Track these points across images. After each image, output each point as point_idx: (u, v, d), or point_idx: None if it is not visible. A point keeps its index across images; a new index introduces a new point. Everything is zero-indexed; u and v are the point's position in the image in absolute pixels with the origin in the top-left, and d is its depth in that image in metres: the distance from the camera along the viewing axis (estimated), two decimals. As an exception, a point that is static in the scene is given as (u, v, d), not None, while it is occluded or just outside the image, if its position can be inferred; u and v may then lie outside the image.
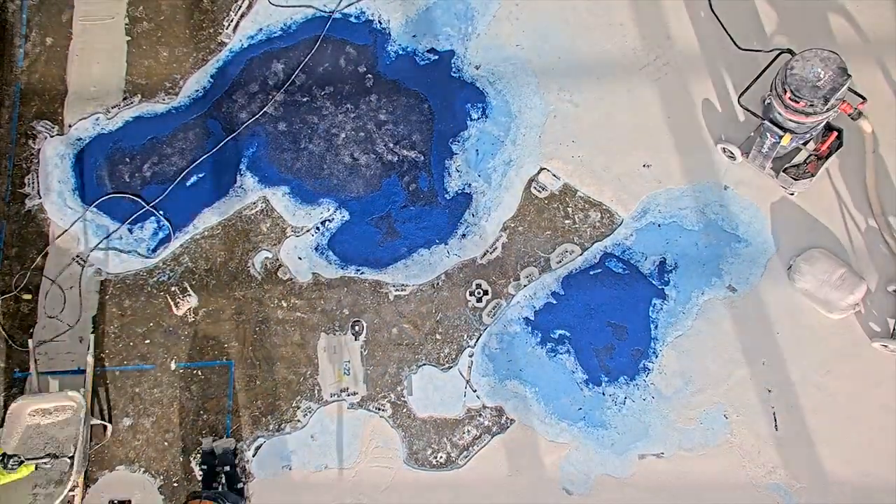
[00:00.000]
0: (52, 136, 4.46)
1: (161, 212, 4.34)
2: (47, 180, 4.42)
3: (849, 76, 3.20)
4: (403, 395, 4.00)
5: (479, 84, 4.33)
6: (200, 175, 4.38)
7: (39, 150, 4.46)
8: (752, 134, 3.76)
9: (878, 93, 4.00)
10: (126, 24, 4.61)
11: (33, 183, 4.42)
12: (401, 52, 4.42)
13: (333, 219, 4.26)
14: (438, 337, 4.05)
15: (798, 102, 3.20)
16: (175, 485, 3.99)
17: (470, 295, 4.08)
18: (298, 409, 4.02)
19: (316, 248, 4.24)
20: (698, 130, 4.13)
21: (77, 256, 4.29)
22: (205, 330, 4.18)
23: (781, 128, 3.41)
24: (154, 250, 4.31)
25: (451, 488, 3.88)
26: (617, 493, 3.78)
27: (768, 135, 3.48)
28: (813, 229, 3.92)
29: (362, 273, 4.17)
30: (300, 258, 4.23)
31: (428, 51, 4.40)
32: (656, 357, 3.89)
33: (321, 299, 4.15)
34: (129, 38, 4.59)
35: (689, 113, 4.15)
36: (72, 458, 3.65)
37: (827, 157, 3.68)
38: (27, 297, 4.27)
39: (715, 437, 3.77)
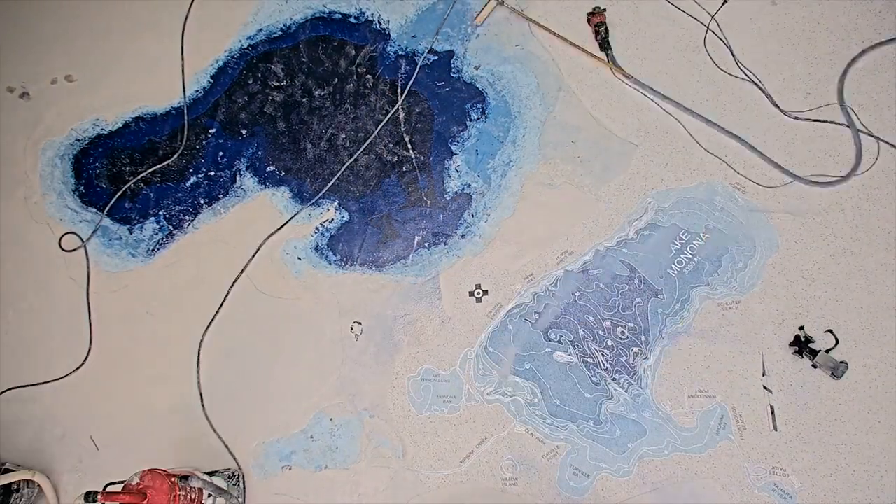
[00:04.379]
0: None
1: (161, 212, 4.34)
2: (47, 180, 4.42)
3: None
4: (405, 395, 4.00)
5: (478, 84, 4.34)
6: (200, 175, 4.39)
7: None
8: None
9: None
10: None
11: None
12: (401, 52, 4.42)
13: (333, 219, 4.27)
14: (440, 336, 4.06)
15: None
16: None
17: (470, 295, 4.09)
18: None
19: (315, 249, 4.24)
20: (699, 130, 4.13)
21: None
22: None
23: None
24: (153, 251, 4.31)
25: (451, 488, 3.88)
26: (617, 493, 3.78)
27: None
28: (812, 230, 3.93)
29: (362, 273, 4.18)
30: (300, 258, 4.23)
31: (428, 51, 4.41)
32: (655, 357, 3.89)
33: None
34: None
35: (688, 113, 4.16)
36: None
37: None
38: None
39: (715, 438, 3.78)
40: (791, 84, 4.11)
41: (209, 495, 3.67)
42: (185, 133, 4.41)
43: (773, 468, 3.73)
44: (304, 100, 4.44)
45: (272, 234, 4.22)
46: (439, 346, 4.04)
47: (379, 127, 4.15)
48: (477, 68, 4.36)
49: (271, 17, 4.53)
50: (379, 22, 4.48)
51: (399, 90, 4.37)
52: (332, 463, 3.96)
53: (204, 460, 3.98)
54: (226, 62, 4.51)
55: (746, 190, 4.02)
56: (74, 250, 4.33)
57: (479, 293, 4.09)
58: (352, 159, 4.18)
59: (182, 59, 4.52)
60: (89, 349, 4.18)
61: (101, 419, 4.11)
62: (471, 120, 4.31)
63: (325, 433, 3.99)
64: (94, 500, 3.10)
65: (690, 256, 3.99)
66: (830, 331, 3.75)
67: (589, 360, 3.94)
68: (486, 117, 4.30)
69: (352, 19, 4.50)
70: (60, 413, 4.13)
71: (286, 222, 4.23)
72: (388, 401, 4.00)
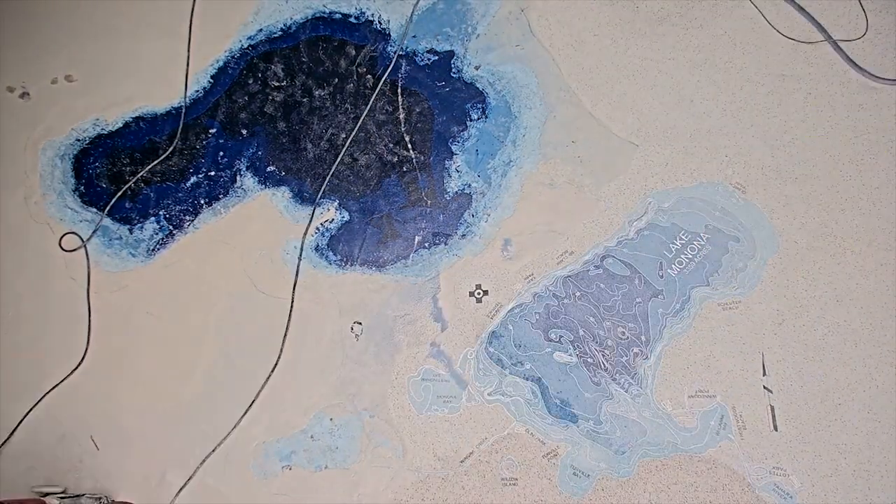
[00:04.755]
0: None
1: (161, 212, 4.34)
2: (47, 180, 4.42)
3: None
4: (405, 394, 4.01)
5: (479, 84, 4.34)
6: (200, 175, 4.39)
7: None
8: None
9: None
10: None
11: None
12: (401, 52, 4.42)
13: (333, 219, 4.27)
14: (440, 336, 4.06)
15: None
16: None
17: (470, 295, 4.09)
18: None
19: (315, 249, 4.24)
20: (699, 130, 4.14)
21: None
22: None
23: None
24: (153, 251, 4.31)
25: (451, 488, 3.88)
26: (617, 493, 3.78)
27: None
28: (812, 230, 3.94)
29: (362, 273, 4.18)
30: (300, 258, 4.23)
31: (428, 51, 4.41)
32: (656, 357, 3.90)
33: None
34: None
35: (687, 113, 4.16)
36: None
37: None
38: None
39: (715, 438, 3.78)
40: None
41: None
42: (181, 129, 4.41)
43: (773, 468, 3.73)
44: (305, 100, 4.44)
45: (305, 233, 4.23)
46: (440, 345, 4.04)
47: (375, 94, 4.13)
48: (477, 68, 4.36)
49: (271, 17, 4.54)
50: (379, 22, 4.48)
51: (399, 90, 4.37)
52: (332, 463, 3.96)
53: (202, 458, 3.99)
54: (226, 62, 4.51)
55: (747, 190, 4.02)
56: (75, 250, 4.33)
57: (479, 293, 4.09)
58: (352, 134, 4.18)
59: (188, 59, 4.52)
60: (86, 349, 4.18)
61: (102, 419, 4.11)
62: (471, 120, 4.31)
63: (325, 433, 4.00)
64: None
65: (691, 256, 3.99)
66: None
67: (589, 360, 3.95)
68: (487, 117, 4.30)
69: (352, 19, 4.50)
70: (60, 413, 4.13)
71: (310, 222, 4.24)
72: (388, 401, 4.00)
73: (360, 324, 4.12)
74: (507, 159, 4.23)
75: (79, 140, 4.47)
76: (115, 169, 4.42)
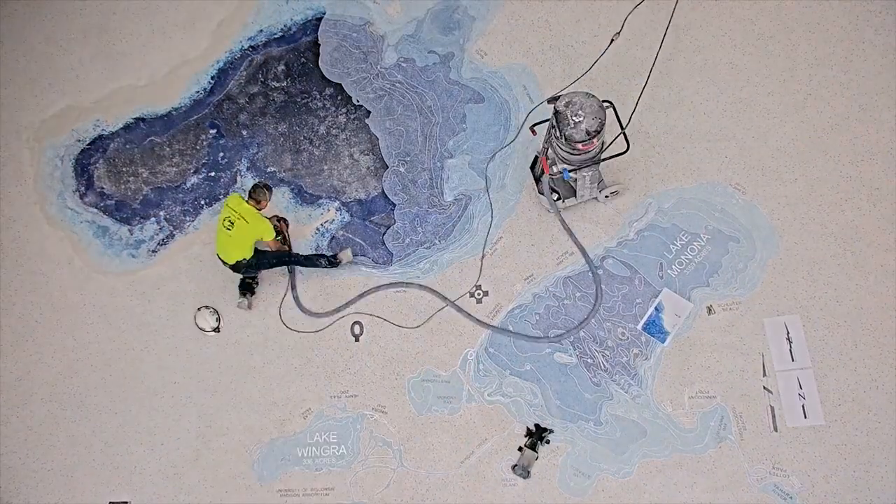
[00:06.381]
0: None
1: (161, 213, 4.34)
2: (47, 180, 4.42)
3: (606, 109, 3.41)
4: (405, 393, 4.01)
5: (478, 85, 4.34)
6: (200, 176, 4.39)
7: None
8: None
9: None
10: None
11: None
12: (401, 54, 4.42)
13: (334, 219, 4.27)
14: (440, 337, 4.06)
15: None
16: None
17: (470, 296, 4.09)
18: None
19: (315, 249, 4.24)
20: (699, 130, 4.13)
21: None
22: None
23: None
24: (154, 252, 4.30)
25: (451, 488, 3.88)
26: (617, 493, 3.78)
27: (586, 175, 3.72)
28: (812, 230, 3.94)
29: (362, 273, 4.18)
30: (300, 259, 4.23)
31: (428, 52, 4.41)
32: (656, 358, 3.90)
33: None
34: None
35: (687, 112, 4.16)
36: None
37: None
38: None
39: (715, 438, 3.78)
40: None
41: None
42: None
43: (773, 468, 3.73)
44: (304, 100, 4.44)
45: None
46: (440, 346, 4.04)
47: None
48: (477, 69, 4.36)
49: (271, 18, 4.53)
50: (379, 23, 4.48)
51: (398, 91, 4.38)
52: (332, 463, 3.96)
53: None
54: (226, 63, 4.51)
55: (747, 190, 4.03)
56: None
57: (479, 293, 4.09)
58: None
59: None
60: None
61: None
62: (470, 120, 4.31)
63: (326, 433, 3.99)
64: None
65: (691, 257, 3.99)
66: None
67: (589, 360, 3.94)
68: (486, 118, 4.30)
69: (352, 20, 4.50)
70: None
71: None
72: (388, 401, 4.00)
73: (360, 324, 4.12)
74: (506, 160, 4.23)
75: (79, 140, 4.46)
76: (116, 169, 4.42)
